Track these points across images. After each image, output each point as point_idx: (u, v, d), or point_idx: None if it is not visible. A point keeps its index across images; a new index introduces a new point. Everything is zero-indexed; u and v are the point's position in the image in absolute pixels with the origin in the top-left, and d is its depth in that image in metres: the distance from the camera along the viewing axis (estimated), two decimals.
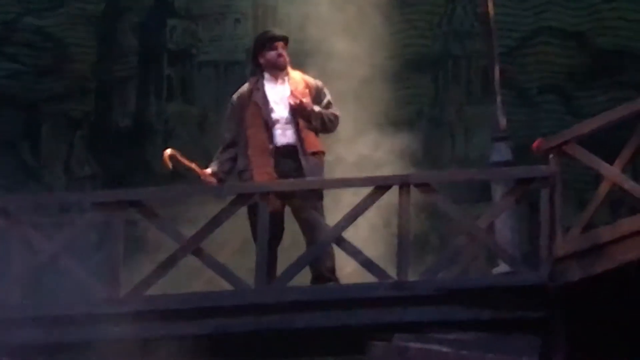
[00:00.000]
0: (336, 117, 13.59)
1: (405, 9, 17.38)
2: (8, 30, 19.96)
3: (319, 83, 13.78)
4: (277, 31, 14.25)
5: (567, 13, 18.52)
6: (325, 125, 13.53)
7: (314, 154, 13.46)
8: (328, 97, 13.68)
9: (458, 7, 18.63)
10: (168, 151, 14.02)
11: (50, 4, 19.91)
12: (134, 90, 18.45)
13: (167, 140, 15.04)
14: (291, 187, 13.37)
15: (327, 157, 13.80)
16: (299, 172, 13.39)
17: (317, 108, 13.43)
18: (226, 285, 13.30)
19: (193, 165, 13.64)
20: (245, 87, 13.81)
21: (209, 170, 13.61)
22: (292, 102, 13.38)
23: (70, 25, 19.94)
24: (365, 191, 13.36)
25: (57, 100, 19.65)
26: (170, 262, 13.33)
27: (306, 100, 13.39)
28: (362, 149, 14.72)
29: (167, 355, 12.71)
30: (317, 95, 13.61)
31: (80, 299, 13.31)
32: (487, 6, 14.70)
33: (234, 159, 13.64)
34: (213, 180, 13.55)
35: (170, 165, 13.79)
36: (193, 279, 13.61)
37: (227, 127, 13.86)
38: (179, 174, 15.01)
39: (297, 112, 13.43)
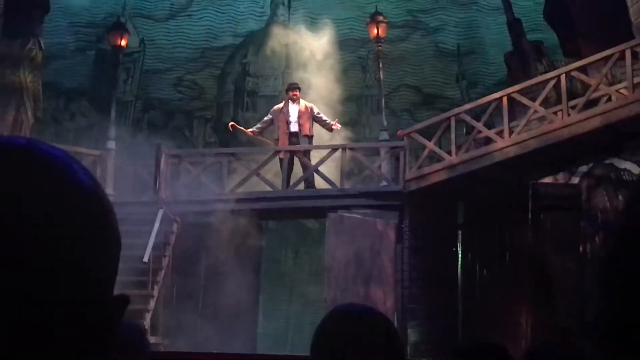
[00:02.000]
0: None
1: (347, 73, 17.20)
2: (179, 81, 19.69)
3: (312, 105, 13.63)
4: (294, 84, 14.14)
5: (412, 76, 18.30)
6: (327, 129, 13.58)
7: (306, 136, 13.36)
8: (317, 111, 13.54)
9: (367, 74, 18.44)
10: (231, 122, 14.27)
11: (199, 68, 19.63)
12: (231, 107, 18.33)
13: (245, 128, 15.28)
14: (297, 148, 13.34)
15: (317, 137, 13.73)
16: (298, 143, 13.35)
17: (332, 126, 13.39)
18: (268, 188, 13.32)
19: (243, 129, 13.86)
20: (280, 105, 13.73)
21: (250, 131, 13.70)
22: (334, 127, 13.41)
23: (206, 79, 19.68)
24: (326, 151, 13.52)
25: (199, 111, 19.39)
26: (246, 179, 13.36)
27: (334, 125, 13.37)
28: (331, 134, 14.64)
29: (247, 218, 12.56)
30: (311, 111, 13.43)
31: (208, 193, 13.16)
32: (380, 74, 14.62)
33: (264, 129, 13.64)
34: (251, 135, 13.75)
35: (231, 129, 14.06)
36: (255, 186, 13.71)
37: (267, 117, 13.74)
38: (250, 142, 15.11)
39: (326, 125, 13.43)
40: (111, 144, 14.17)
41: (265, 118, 13.85)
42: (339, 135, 14.50)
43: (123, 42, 15.29)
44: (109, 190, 13.45)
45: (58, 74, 18.91)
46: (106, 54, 17.50)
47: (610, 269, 0.76)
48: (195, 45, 19.92)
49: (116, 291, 0.83)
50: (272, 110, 13.86)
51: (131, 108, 19.37)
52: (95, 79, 19.33)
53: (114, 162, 13.96)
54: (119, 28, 15.75)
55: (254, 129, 13.79)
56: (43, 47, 15.78)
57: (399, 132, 13.43)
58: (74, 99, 19.39)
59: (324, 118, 13.56)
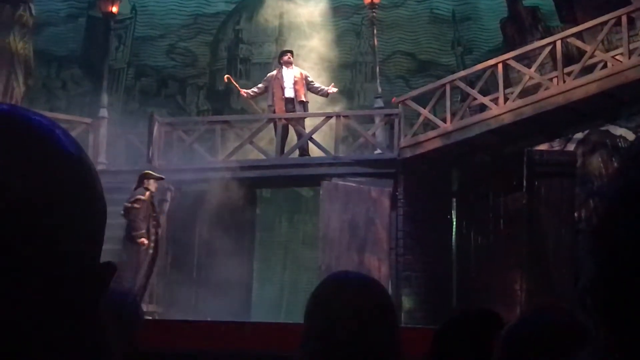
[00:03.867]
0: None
1: (340, 40, 16.99)
2: (172, 47, 19.56)
3: (306, 72, 13.61)
4: (288, 49, 14.18)
5: (407, 43, 18.13)
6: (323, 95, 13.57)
7: (301, 102, 13.30)
8: (311, 79, 13.48)
9: (362, 41, 18.27)
10: (226, 75, 14.15)
11: (191, 35, 19.49)
12: (225, 74, 18.16)
13: (238, 96, 15.15)
14: (291, 116, 13.30)
15: (312, 104, 13.67)
16: (294, 110, 13.31)
17: (328, 91, 13.37)
18: (262, 156, 13.34)
19: (238, 86, 13.73)
20: (274, 71, 13.67)
21: (244, 91, 13.61)
22: (330, 92, 13.37)
23: (199, 46, 19.53)
24: (321, 119, 13.47)
25: (192, 78, 19.24)
26: (239, 146, 13.34)
27: (329, 90, 13.33)
28: (325, 100, 14.59)
29: (241, 186, 12.48)
30: (306, 79, 13.40)
31: (202, 161, 13.16)
32: (374, 41, 14.59)
33: (257, 94, 13.55)
34: (244, 95, 13.63)
35: (226, 80, 13.88)
36: (249, 154, 13.70)
37: (262, 83, 13.64)
38: (244, 110, 15.00)
39: (322, 92, 13.38)
40: (103, 112, 14.13)
41: (260, 85, 13.75)
42: (334, 102, 14.44)
43: (114, 9, 15.17)
44: (102, 158, 13.47)
45: (49, 41, 18.77)
46: (97, 21, 17.34)
47: (601, 235, 0.77)
48: (188, 12, 19.77)
49: (111, 259, 0.82)
50: (266, 77, 13.80)
51: (123, 75, 19.26)
52: (87, 46, 19.18)
53: (107, 130, 13.92)
54: None
55: (248, 91, 13.71)
56: (34, 13, 15.64)
57: (393, 100, 13.38)
58: (66, 67, 19.26)
59: (317, 85, 13.51)
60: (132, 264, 10.43)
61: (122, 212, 10.62)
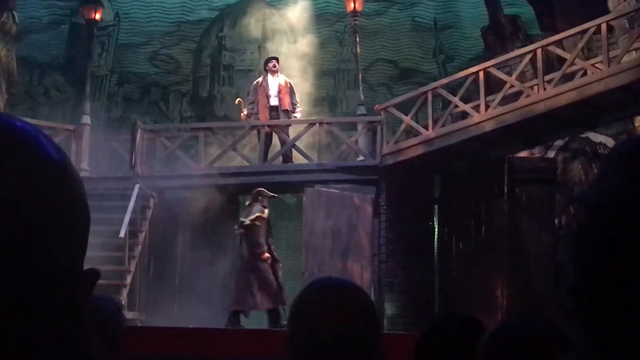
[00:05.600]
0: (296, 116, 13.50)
1: (323, 48, 16.99)
2: (155, 54, 19.46)
3: (290, 81, 13.55)
4: (273, 56, 14.08)
5: (389, 51, 18.14)
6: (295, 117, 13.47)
7: (285, 110, 13.26)
8: (295, 95, 13.45)
9: (344, 48, 18.22)
10: (238, 99, 14.16)
11: (174, 42, 19.42)
12: (208, 81, 18.11)
13: (221, 103, 15.06)
14: (274, 123, 13.24)
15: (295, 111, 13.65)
16: (278, 118, 13.28)
17: (292, 113, 13.27)
18: (246, 163, 13.34)
19: (244, 111, 13.64)
20: (260, 79, 13.62)
21: (244, 115, 13.46)
22: (296, 116, 13.32)
23: (182, 53, 19.46)
24: (304, 126, 13.48)
25: (175, 85, 19.18)
26: (223, 153, 13.30)
27: (295, 113, 13.27)
28: (307, 107, 14.59)
29: (222, 194, 12.48)
30: (290, 88, 13.38)
31: (184, 168, 13.12)
32: (356, 49, 14.52)
33: (252, 109, 13.40)
34: (245, 119, 13.48)
35: (237, 103, 13.88)
36: (232, 161, 13.65)
37: (251, 95, 13.58)
38: (227, 116, 14.92)
39: (292, 108, 13.30)
40: (86, 119, 14.07)
41: (252, 98, 13.62)
42: (317, 110, 14.44)
43: (97, 16, 15.13)
44: (84, 165, 13.40)
45: (31, 48, 18.69)
46: (80, 28, 17.28)
47: (581, 241, 0.77)
48: (171, 19, 19.74)
49: (93, 266, 0.81)
50: (252, 87, 13.73)
51: (106, 82, 19.20)
52: (70, 53, 19.11)
53: (89, 137, 13.87)
54: (93, 1, 15.53)
55: (247, 112, 13.56)
56: (17, 21, 15.55)
57: (376, 107, 13.37)
58: (48, 74, 19.17)
59: (294, 102, 13.46)
60: (261, 278, 10.87)
61: (237, 227, 11.04)
